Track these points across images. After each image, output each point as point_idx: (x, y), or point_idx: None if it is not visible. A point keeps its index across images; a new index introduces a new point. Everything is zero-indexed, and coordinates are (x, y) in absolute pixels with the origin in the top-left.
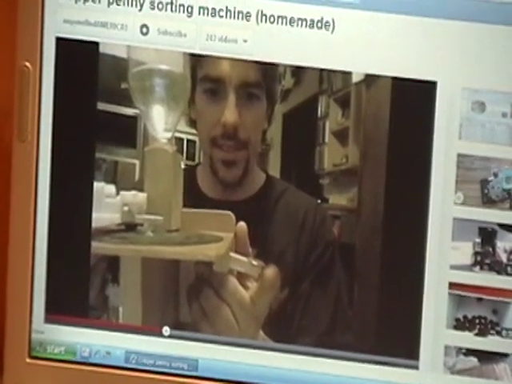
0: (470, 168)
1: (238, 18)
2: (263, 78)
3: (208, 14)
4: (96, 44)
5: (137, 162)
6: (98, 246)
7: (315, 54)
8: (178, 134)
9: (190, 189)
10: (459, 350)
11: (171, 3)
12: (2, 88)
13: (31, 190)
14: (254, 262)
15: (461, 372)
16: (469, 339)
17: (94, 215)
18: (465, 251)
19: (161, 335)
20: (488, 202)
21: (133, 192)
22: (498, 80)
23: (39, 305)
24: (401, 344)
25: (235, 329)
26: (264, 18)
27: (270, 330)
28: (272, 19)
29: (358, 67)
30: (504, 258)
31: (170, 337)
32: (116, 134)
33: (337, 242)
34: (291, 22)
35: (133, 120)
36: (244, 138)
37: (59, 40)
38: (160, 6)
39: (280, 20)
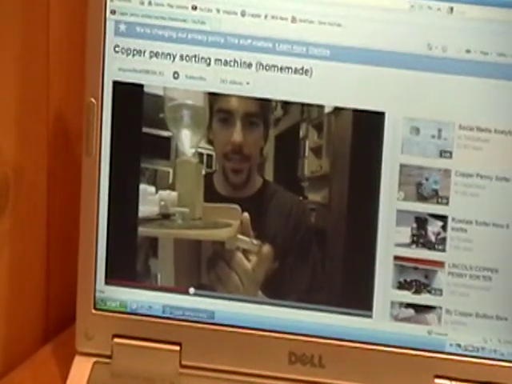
0: (409, 174)
1: (243, 66)
2: (261, 110)
3: (221, 64)
4: (141, 86)
5: (170, 170)
6: (143, 230)
7: (298, 93)
8: (199, 150)
9: (209, 189)
10: (401, 304)
11: (195, 56)
12: (75, 117)
13: (95, 190)
14: (255, 242)
15: (402, 320)
16: (408, 296)
17: (140, 208)
18: (405, 233)
19: (187, 294)
20: (421, 198)
21: (167, 191)
22: (429, 112)
23: (101, 272)
24: (359, 300)
25: (241, 289)
26: (261, 66)
27: (266, 290)
28: (267, 67)
29: (329, 102)
30: (433, 238)
31: (194, 295)
32: (156, 150)
33: (313, 227)
34: (281, 69)
35: (167, 140)
36: (247, 153)
37: (115, 83)
38: (187, 58)
39: (273, 68)
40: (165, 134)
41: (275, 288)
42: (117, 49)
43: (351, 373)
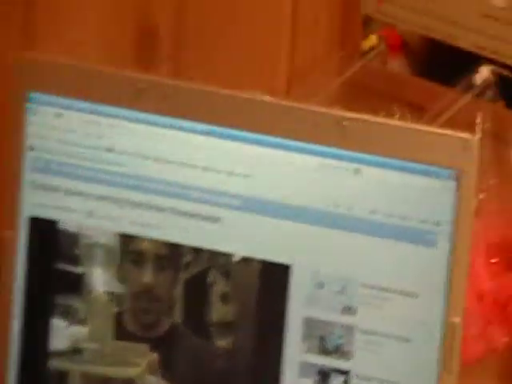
0: (313, 327)
1: (156, 210)
2: (171, 254)
3: (135, 206)
4: (57, 222)
5: (82, 306)
6: (53, 364)
7: (207, 240)
8: (111, 289)
9: (119, 327)
10: None
11: (109, 197)
12: None
13: (9, 322)
14: (162, 382)
15: None
16: None
17: (51, 342)
18: None
19: None
20: (325, 352)
21: (79, 326)
22: (335, 268)
23: None
24: None
25: None
26: (173, 211)
27: None
28: (179, 213)
29: (237, 251)
30: None
31: None
32: (69, 285)
33: (219, 372)
34: (192, 215)
35: (81, 276)
36: (157, 294)
37: (31, 217)
38: (101, 198)
39: (184, 214)
40: (78, 270)
41: None
42: (34, 184)
43: None
